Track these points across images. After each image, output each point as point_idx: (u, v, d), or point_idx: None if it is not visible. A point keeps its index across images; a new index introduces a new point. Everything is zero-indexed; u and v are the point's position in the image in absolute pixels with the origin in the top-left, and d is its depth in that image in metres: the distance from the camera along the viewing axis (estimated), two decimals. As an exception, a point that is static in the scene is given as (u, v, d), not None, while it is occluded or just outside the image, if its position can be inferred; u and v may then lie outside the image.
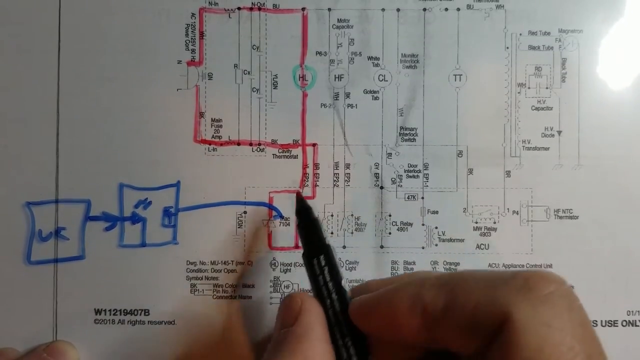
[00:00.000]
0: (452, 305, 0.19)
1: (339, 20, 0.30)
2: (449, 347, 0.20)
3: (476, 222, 0.29)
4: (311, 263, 0.25)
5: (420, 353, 0.22)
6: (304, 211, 0.27)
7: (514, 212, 0.29)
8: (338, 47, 0.30)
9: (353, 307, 0.23)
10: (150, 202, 0.29)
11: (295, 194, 0.28)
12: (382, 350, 0.23)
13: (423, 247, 0.29)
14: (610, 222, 0.29)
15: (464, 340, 0.19)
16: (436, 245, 0.29)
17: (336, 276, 0.24)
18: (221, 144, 0.29)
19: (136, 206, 0.29)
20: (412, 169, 0.30)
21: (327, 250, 0.25)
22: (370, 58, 0.30)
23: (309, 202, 0.27)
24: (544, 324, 0.17)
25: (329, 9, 0.29)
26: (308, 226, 0.26)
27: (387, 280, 0.26)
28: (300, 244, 0.29)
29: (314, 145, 0.30)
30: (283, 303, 0.24)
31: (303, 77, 0.30)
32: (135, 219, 0.29)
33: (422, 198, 0.30)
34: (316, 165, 0.30)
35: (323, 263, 0.25)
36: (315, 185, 0.29)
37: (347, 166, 0.30)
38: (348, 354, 0.23)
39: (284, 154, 0.30)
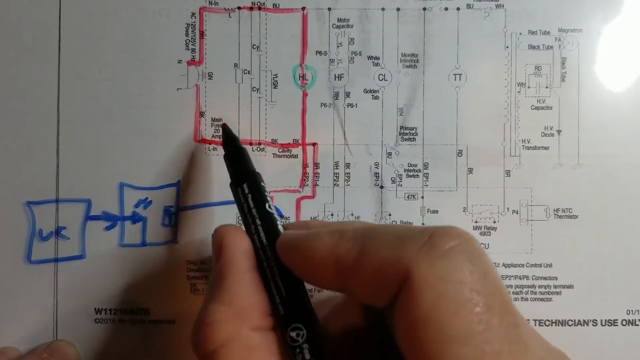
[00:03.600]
0: (361, 259, 0.19)
1: (339, 20, 0.30)
2: (361, 299, 0.20)
3: (476, 222, 0.29)
4: (236, 191, 0.24)
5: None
6: (229, 140, 0.26)
7: (513, 211, 0.29)
8: (338, 46, 0.30)
9: (280, 241, 0.22)
10: (150, 202, 0.29)
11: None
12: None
13: (423, 247, 0.29)
14: (610, 221, 0.29)
15: (372, 294, 0.19)
16: (436, 244, 0.29)
17: (260, 202, 0.23)
18: (221, 144, 0.29)
19: (136, 205, 0.29)
20: (412, 168, 0.30)
21: (252, 178, 0.24)
22: (370, 57, 0.30)
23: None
24: (440, 279, 0.17)
25: (329, 9, 0.30)
26: (233, 155, 0.26)
27: (325, 222, 0.26)
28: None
29: (314, 144, 0.30)
30: (212, 239, 0.23)
31: (303, 77, 0.30)
32: (135, 218, 0.29)
33: (422, 197, 0.30)
34: (316, 165, 0.30)
35: (247, 191, 0.24)
36: (315, 185, 0.30)
37: (347, 165, 0.30)
38: (275, 282, 0.22)
39: (284, 153, 0.30)
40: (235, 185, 0.24)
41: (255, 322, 0.21)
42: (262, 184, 0.25)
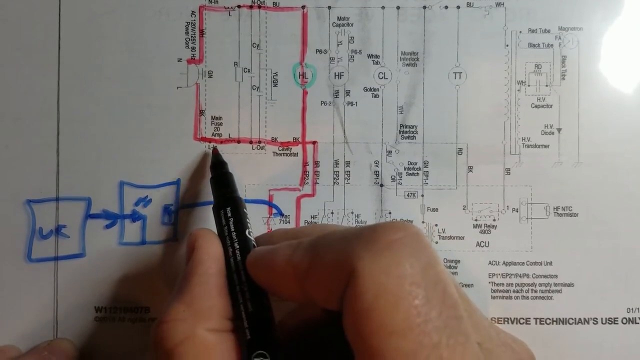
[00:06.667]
0: (314, 264, 0.20)
1: (339, 18, 0.30)
2: (320, 305, 0.20)
3: (476, 220, 0.29)
4: (219, 214, 0.25)
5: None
6: (218, 165, 0.27)
7: (513, 209, 0.29)
8: (338, 45, 0.30)
9: (249, 258, 0.23)
10: (150, 200, 0.29)
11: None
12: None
13: (423, 245, 0.29)
14: (610, 220, 0.29)
15: (326, 297, 0.19)
16: (436, 242, 0.29)
17: (240, 227, 0.24)
18: (221, 142, 0.29)
19: (136, 204, 0.29)
20: (412, 166, 0.30)
21: (235, 203, 0.25)
22: (370, 56, 0.30)
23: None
24: (382, 273, 0.18)
25: (329, 7, 0.30)
26: (220, 179, 0.27)
27: (292, 230, 0.26)
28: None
29: (314, 143, 0.30)
30: (186, 240, 0.24)
31: (303, 75, 0.30)
32: (135, 216, 0.29)
33: (422, 196, 0.30)
34: (316, 163, 0.30)
35: (229, 214, 0.25)
36: (315, 183, 0.30)
37: (347, 164, 0.30)
38: (244, 298, 0.22)
39: (284, 151, 0.30)
40: (217, 208, 0.25)
41: (214, 324, 0.21)
42: (244, 210, 0.25)
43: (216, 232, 0.25)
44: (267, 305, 0.23)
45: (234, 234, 0.24)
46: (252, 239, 0.24)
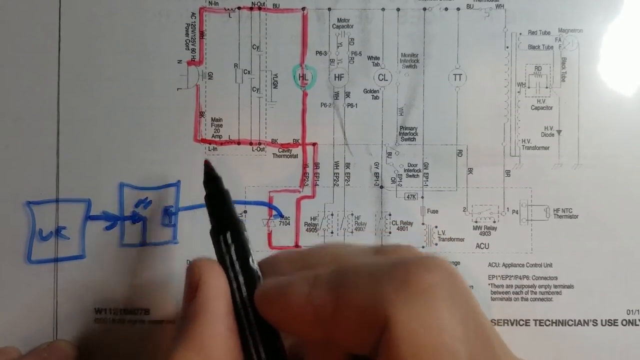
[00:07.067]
0: (340, 307, 0.18)
1: (339, 20, 0.30)
2: (344, 347, 0.19)
3: (476, 222, 0.29)
4: (218, 240, 0.22)
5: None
6: (212, 181, 0.24)
7: (513, 211, 0.29)
8: (338, 46, 0.30)
9: (258, 296, 0.21)
10: (150, 202, 0.29)
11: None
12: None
13: (423, 247, 0.29)
14: (610, 221, 0.29)
15: (354, 342, 0.18)
16: (436, 244, 0.29)
17: (243, 255, 0.22)
18: (221, 144, 0.29)
19: (136, 205, 0.29)
20: (412, 168, 0.30)
21: (235, 226, 0.22)
22: (370, 57, 0.30)
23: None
24: (420, 324, 0.16)
25: (329, 9, 0.30)
26: (216, 198, 0.24)
27: (298, 254, 0.23)
28: (299, 243, 0.29)
29: (314, 144, 0.30)
30: (186, 273, 0.21)
31: (303, 77, 0.30)
32: (135, 218, 0.29)
33: (422, 197, 0.30)
34: (316, 165, 0.30)
35: (230, 240, 0.22)
36: (315, 185, 0.30)
37: (347, 165, 0.30)
38: (254, 342, 0.20)
39: (284, 153, 0.30)
40: (216, 233, 0.23)
41: None
42: (246, 234, 0.23)
43: (215, 258, 0.23)
44: (280, 347, 0.21)
45: (237, 264, 0.22)
46: (257, 268, 0.22)
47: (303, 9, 0.30)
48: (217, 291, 0.21)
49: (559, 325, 0.29)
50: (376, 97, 0.30)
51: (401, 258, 0.18)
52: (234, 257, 0.22)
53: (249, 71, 0.30)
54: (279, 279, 0.20)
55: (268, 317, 0.20)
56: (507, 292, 0.29)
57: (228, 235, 0.22)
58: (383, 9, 0.30)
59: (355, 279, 0.18)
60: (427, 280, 0.17)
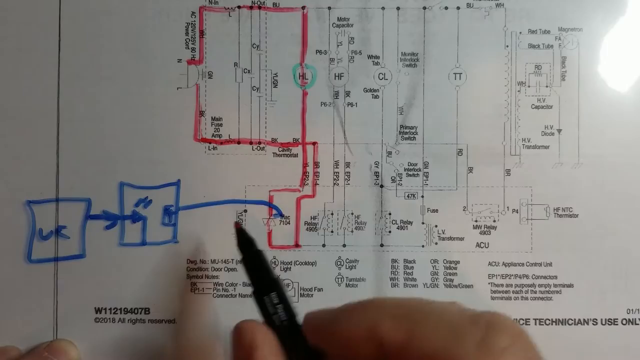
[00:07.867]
0: (411, 344, 0.18)
1: (339, 19, 0.30)
2: None
3: (476, 221, 0.29)
4: (262, 301, 0.23)
5: None
6: (246, 243, 0.25)
7: (513, 210, 0.29)
8: (338, 45, 0.30)
9: (307, 320, 0.21)
10: (150, 201, 0.29)
11: (235, 227, 0.26)
12: None
13: (423, 246, 0.29)
14: (610, 221, 0.29)
15: None
16: (436, 243, 0.29)
17: (291, 314, 0.22)
18: (221, 143, 0.29)
19: (136, 205, 0.29)
20: (412, 167, 0.30)
21: (277, 286, 0.23)
22: (370, 57, 0.30)
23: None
24: None
25: (329, 8, 0.29)
26: (253, 260, 0.24)
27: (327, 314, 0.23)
28: (299, 243, 0.29)
29: (314, 143, 0.30)
30: (233, 337, 0.21)
31: (303, 76, 0.30)
32: (135, 217, 0.29)
33: (422, 196, 0.30)
34: (316, 164, 0.30)
35: (276, 301, 0.23)
36: (315, 184, 0.30)
37: (347, 165, 0.30)
38: None
39: (284, 152, 0.30)
40: (260, 294, 0.23)
41: None
42: (287, 292, 0.23)
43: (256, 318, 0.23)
44: None
45: (285, 323, 0.22)
46: (301, 324, 0.22)
47: (303, 8, 0.30)
48: (272, 351, 0.21)
49: (558, 324, 0.29)
50: (376, 96, 0.30)
51: (479, 313, 0.19)
52: (283, 317, 0.22)
53: (249, 70, 0.30)
54: (331, 309, 0.21)
55: (322, 342, 0.21)
56: (507, 292, 0.29)
57: (273, 295, 0.23)
58: (383, 8, 0.30)
59: (431, 322, 0.18)
60: (504, 341, 0.17)
